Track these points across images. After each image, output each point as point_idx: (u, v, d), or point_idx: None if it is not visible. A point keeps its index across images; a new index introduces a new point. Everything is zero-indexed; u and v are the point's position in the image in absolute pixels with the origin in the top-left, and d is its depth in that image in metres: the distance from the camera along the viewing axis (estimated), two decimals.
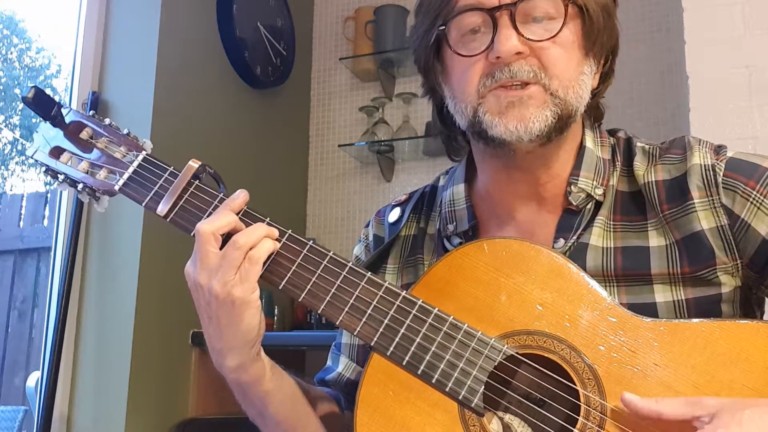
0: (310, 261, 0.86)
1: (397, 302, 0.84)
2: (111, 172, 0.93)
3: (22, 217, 3.76)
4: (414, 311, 0.83)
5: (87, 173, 0.94)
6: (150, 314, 2.08)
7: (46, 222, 3.69)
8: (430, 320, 0.83)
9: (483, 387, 0.80)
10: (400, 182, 2.88)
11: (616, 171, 0.93)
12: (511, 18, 0.84)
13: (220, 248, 0.83)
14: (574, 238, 0.89)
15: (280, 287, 0.86)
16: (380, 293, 0.84)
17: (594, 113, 0.98)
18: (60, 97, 3.48)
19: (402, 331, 0.83)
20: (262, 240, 0.84)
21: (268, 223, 0.87)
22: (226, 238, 0.84)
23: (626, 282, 0.86)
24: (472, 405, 0.79)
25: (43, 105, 0.93)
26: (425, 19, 0.92)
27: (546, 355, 0.80)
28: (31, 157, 0.97)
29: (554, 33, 0.85)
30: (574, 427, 0.77)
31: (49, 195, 3.69)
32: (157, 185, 0.91)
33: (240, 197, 0.88)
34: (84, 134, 0.95)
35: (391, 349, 0.83)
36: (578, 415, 0.77)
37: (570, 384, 0.78)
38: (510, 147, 0.87)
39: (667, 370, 0.77)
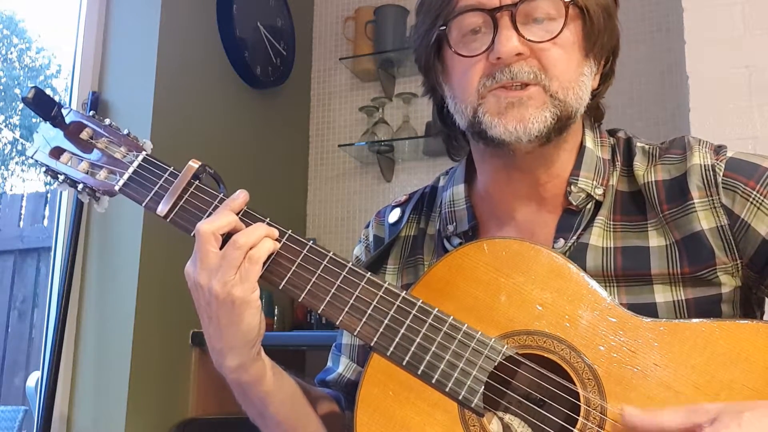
0: (310, 261, 0.86)
1: (397, 302, 0.84)
2: (111, 173, 0.93)
3: (22, 217, 3.76)
4: (414, 311, 0.83)
5: (87, 173, 0.94)
6: (150, 314, 2.08)
7: (46, 222, 3.69)
8: (429, 320, 0.83)
9: (483, 387, 0.80)
10: (400, 182, 2.88)
11: (616, 171, 0.93)
12: (511, 19, 0.84)
13: (220, 248, 0.83)
14: (574, 238, 0.89)
15: (280, 287, 0.86)
16: (380, 293, 0.84)
17: (594, 113, 0.98)
18: (60, 97, 3.49)
19: (402, 331, 0.83)
20: (262, 240, 0.84)
21: (268, 223, 0.87)
22: (226, 238, 0.84)
23: (626, 282, 0.86)
24: (472, 405, 0.79)
25: (43, 105, 0.93)
26: (426, 19, 0.92)
27: (546, 356, 0.80)
28: (32, 158, 0.97)
29: (555, 34, 0.85)
30: (574, 427, 0.77)
31: (49, 195, 3.69)
32: (157, 185, 0.91)
33: (240, 197, 0.88)
34: (84, 134, 0.95)
35: (391, 349, 0.83)
36: (578, 416, 0.77)
37: (570, 384, 0.78)
38: (509, 147, 0.87)
39: (667, 370, 0.77)
